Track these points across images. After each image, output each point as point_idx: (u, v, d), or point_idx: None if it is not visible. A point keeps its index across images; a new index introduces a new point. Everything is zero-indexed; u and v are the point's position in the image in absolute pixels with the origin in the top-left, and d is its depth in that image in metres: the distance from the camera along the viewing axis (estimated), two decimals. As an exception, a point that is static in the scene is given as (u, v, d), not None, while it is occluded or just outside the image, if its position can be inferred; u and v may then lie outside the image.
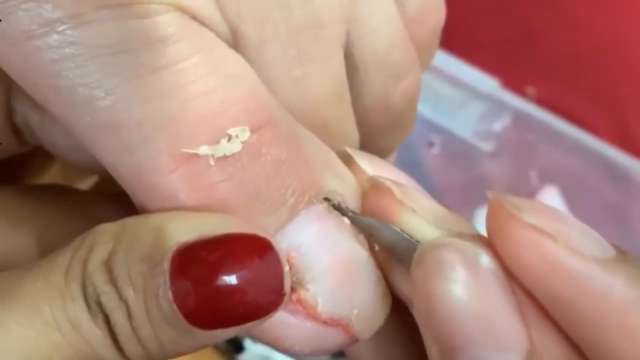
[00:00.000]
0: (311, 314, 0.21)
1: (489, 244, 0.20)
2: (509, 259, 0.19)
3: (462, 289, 0.19)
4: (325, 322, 0.21)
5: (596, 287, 0.18)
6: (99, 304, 0.19)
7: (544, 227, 0.18)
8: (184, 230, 0.19)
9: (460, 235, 0.21)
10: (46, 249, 0.24)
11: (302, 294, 0.21)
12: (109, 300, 0.19)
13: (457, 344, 0.18)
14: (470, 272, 0.19)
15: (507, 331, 0.19)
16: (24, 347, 0.19)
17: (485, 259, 0.19)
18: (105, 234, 0.20)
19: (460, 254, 0.19)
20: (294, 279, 0.21)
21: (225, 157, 0.20)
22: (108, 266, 0.19)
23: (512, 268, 0.19)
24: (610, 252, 0.19)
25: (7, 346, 0.19)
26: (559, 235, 0.18)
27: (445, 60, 0.58)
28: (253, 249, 0.19)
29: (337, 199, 0.22)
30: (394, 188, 0.22)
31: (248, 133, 0.20)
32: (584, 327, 0.18)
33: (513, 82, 0.60)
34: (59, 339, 0.19)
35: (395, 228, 0.21)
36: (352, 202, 0.22)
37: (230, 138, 0.20)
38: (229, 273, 0.19)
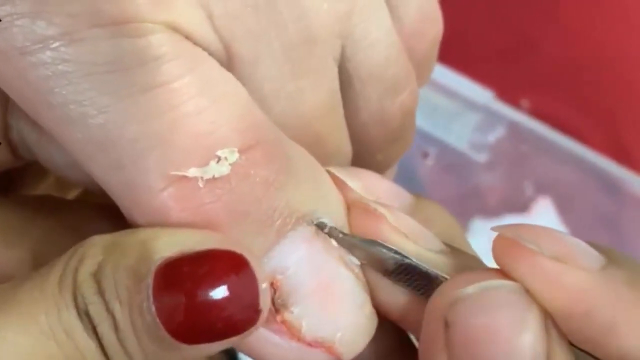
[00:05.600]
0: (295, 335, 0.21)
1: (500, 272, 0.20)
2: (529, 288, 0.20)
3: (529, 334, 0.19)
4: (308, 344, 0.21)
5: (605, 298, 0.19)
6: (88, 315, 0.19)
7: (559, 254, 0.20)
8: (168, 245, 0.20)
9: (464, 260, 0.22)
10: (41, 262, 0.24)
11: (287, 315, 0.21)
12: (97, 311, 0.19)
13: None
14: (527, 314, 0.19)
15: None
16: (19, 356, 0.19)
17: (518, 289, 0.20)
18: (96, 246, 0.20)
19: (513, 296, 0.20)
20: (279, 300, 0.21)
21: (214, 179, 0.20)
22: (97, 278, 0.20)
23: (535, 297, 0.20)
24: (602, 259, 0.20)
25: (3, 355, 0.19)
26: (570, 259, 0.19)
27: (439, 72, 0.58)
28: (229, 266, 0.19)
29: (325, 221, 0.22)
30: (388, 214, 0.22)
31: (237, 155, 0.20)
32: (599, 336, 0.19)
33: (508, 94, 0.60)
34: (55, 349, 0.19)
35: (390, 246, 0.22)
36: (341, 223, 0.22)
37: (219, 160, 0.20)
38: (206, 288, 0.19)
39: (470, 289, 0.20)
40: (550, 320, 0.20)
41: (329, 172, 0.23)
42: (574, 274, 0.19)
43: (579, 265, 0.19)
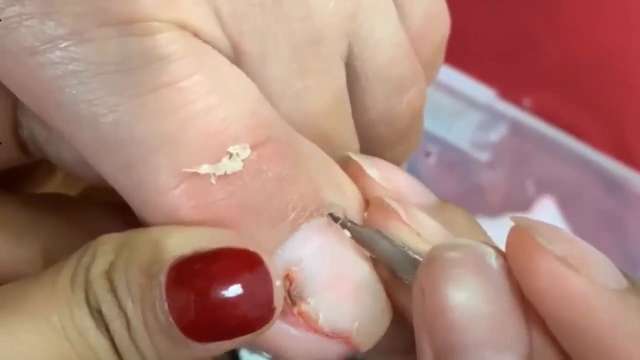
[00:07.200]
0: (312, 327, 0.21)
1: (499, 251, 0.20)
2: (526, 284, 0.19)
3: (471, 289, 0.19)
4: (326, 335, 0.21)
5: (609, 319, 0.18)
6: (100, 313, 0.19)
7: (571, 258, 0.19)
8: (181, 244, 0.20)
9: None
10: (51, 260, 0.24)
11: (304, 307, 0.21)
12: (109, 310, 0.19)
13: (457, 344, 0.19)
14: (480, 271, 0.19)
15: (510, 331, 0.19)
16: (32, 355, 0.19)
17: (495, 260, 0.19)
18: (108, 244, 0.20)
19: (471, 254, 0.19)
20: (295, 292, 0.21)
21: (226, 175, 0.20)
22: (109, 276, 0.20)
23: (527, 293, 0.19)
24: (624, 282, 0.19)
25: (16, 355, 0.19)
26: (582, 267, 0.19)
27: (442, 71, 0.58)
28: (244, 264, 0.20)
29: (338, 213, 0.22)
30: (400, 210, 0.22)
31: (249, 151, 0.20)
32: (592, 355, 0.18)
33: (510, 93, 0.60)
34: (67, 348, 0.19)
35: (395, 240, 0.22)
36: (354, 215, 0.23)
37: (231, 156, 0.20)
38: (220, 287, 0.19)
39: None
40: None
41: (348, 157, 0.24)
42: (589, 287, 0.18)
43: (597, 280, 0.18)
